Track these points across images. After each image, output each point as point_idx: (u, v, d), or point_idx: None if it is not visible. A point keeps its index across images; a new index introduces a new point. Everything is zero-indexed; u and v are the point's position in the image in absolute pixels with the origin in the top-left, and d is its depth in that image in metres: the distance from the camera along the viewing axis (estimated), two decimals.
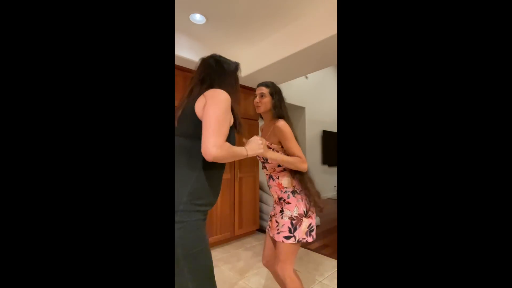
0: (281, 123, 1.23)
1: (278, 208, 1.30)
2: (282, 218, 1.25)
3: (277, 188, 1.32)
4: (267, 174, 1.36)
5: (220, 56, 1.01)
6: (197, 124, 0.81)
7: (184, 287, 0.78)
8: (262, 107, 1.31)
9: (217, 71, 0.95)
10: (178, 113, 0.89)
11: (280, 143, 1.25)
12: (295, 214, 1.23)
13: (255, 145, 0.96)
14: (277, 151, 1.25)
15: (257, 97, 1.32)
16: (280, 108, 1.31)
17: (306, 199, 1.26)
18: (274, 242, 1.35)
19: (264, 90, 1.31)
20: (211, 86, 0.91)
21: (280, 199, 1.31)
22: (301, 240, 1.20)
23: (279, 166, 1.30)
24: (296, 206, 1.24)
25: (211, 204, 0.87)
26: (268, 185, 1.38)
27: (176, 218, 0.77)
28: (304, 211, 1.24)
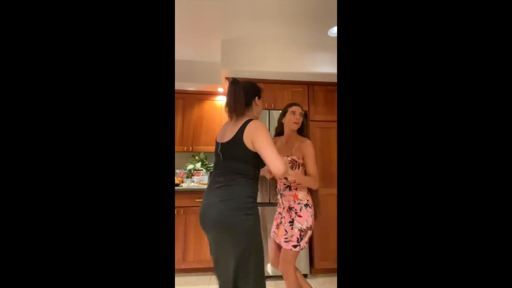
0: (310, 143, 1.49)
1: (288, 218, 1.48)
2: (292, 228, 1.44)
3: (291, 198, 1.49)
4: (284, 184, 1.51)
5: (238, 82, 1.18)
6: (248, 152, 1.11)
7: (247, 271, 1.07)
8: (297, 126, 1.52)
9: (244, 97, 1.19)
10: (228, 137, 1.16)
11: (303, 158, 1.48)
12: (304, 227, 1.43)
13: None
14: (300, 165, 1.49)
15: (297, 115, 1.52)
16: (307, 128, 1.59)
17: (314, 214, 1.47)
18: (279, 246, 1.53)
19: (301, 110, 1.54)
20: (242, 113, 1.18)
21: (291, 208, 1.48)
22: (303, 248, 1.43)
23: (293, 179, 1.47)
24: (306, 220, 1.44)
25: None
26: (281, 194, 1.53)
27: (245, 211, 1.07)
28: (310, 225, 1.44)
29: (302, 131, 1.54)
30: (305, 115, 1.56)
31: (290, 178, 1.44)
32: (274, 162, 1.02)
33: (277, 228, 1.54)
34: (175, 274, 2.28)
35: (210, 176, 2.60)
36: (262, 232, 2.24)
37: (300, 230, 1.41)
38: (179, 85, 2.69)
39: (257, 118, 1.23)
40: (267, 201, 2.23)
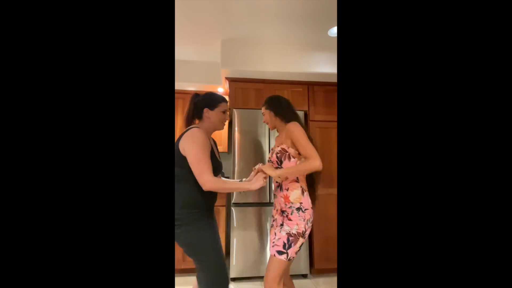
0: (291, 125, 1.27)
1: (279, 221, 1.29)
2: (280, 231, 1.24)
3: (282, 200, 1.29)
4: (276, 182, 1.31)
5: (197, 95, 1.28)
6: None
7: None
8: (270, 124, 1.41)
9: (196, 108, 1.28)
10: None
11: (292, 144, 1.27)
12: (293, 231, 1.21)
13: (259, 181, 1.16)
14: (297, 154, 1.27)
15: (264, 116, 1.41)
16: (282, 113, 1.36)
17: (307, 219, 1.24)
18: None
19: (263, 109, 1.42)
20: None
21: (283, 212, 1.28)
22: (291, 259, 1.19)
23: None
24: (297, 224, 1.22)
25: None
26: (274, 194, 1.37)
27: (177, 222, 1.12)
28: (302, 231, 1.22)
29: (283, 118, 1.36)
30: (274, 101, 1.41)
31: (283, 179, 1.25)
32: (199, 177, 1.06)
33: (270, 233, 1.36)
34: (175, 274, 2.28)
35: None
36: (258, 231, 2.23)
37: (288, 234, 1.20)
38: (179, 85, 2.68)
39: (213, 129, 1.28)
40: (267, 201, 2.23)
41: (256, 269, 2.16)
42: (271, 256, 1.22)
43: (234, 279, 2.16)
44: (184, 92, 2.79)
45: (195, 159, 1.08)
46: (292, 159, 1.28)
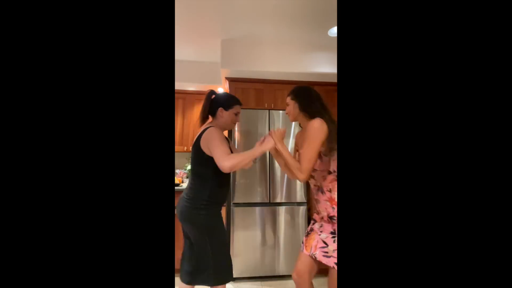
0: (315, 121, 1.13)
1: (328, 228, 1.14)
2: (334, 242, 1.10)
3: (328, 203, 1.14)
4: (315, 185, 1.18)
5: (212, 91, 1.37)
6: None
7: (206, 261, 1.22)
8: (291, 116, 1.27)
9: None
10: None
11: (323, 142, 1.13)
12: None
13: (270, 141, 1.18)
14: (327, 151, 1.13)
15: (286, 106, 1.28)
16: (308, 108, 1.20)
17: None
18: (312, 259, 1.19)
19: (288, 99, 1.27)
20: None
21: (331, 218, 1.13)
22: None
23: (330, 173, 1.13)
24: None
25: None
26: (315, 199, 1.21)
27: (199, 211, 1.23)
28: None
29: (307, 111, 1.21)
30: (303, 92, 1.27)
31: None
32: (218, 160, 1.13)
33: (306, 236, 1.24)
34: (175, 274, 2.27)
35: None
36: (259, 231, 2.23)
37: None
38: (179, 85, 2.69)
39: (223, 128, 1.34)
40: (267, 201, 2.23)
41: (256, 269, 2.16)
42: (330, 268, 1.10)
43: (234, 279, 2.16)
44: (184, 92, 2.79)
45: (216, 150, 1.15)
46: (324, 158, 1.14)
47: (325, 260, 1.10)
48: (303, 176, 1.11)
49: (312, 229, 1.23)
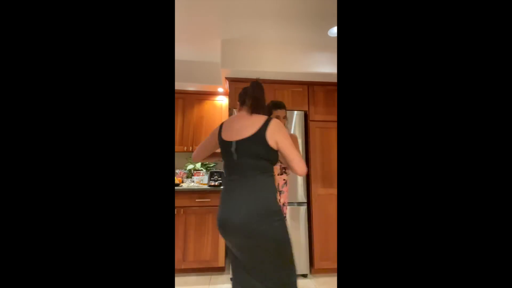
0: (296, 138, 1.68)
1: (285, 212, 1.62)
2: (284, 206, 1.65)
3: (286, 194, 1.60)
4: (284, 180, 1.58)
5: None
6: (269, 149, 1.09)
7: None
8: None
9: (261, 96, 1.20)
10: (245, 134, 1.10)
11: None
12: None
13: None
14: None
15: (281, 118, 1.57)
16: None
17: None
18: None
19: (285, 113, 1.61)
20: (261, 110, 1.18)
21: (283, 204, 1.57)
22: None
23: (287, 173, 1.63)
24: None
25: None
26: (280, 191, 1.56)
27: (274, 216, 1.03)
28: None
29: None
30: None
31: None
32: (299, 164, 1.05)
33: None
34: (175, 274, 2.27)
35: (211, 176, 2.60)
36: None
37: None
38: (179, 85, 2.68)
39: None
40: None
41: None
42: None
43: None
44: (184, 92, 2.79)
45: (294, 150, 1.07)
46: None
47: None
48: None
49: None
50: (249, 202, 1.00)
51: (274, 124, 1.08)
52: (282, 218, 1.05)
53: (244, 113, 1.15)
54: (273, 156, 1.08)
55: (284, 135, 1.07)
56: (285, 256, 1.04)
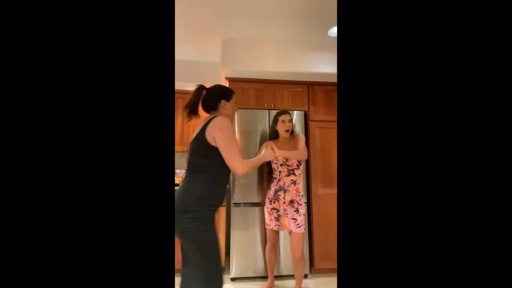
0: (300, 135, 1.89)
1: (291, 209, 1.84)
2: (300, 215, 1.82)
3: (294, 192, 1.86)
4: (291, 180, 1.86)
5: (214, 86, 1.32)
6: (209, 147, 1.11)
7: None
8: (288, 133, 1.88)
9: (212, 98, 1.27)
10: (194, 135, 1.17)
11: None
12: (305, 212, 1.90)
13: (268, 154, 1.28)
14: (294, 169, 1.90)
15: (287, 123, 1.87)
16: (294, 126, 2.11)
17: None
18: (276, 233, 1.98)
19: (290, 117, 1.90)
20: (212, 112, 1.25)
21: (292, 201, 1.85)
22: None
23: (300, 174, 1.89)
24: (305, 207, 1.89)
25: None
26: (285, 190, 1.86)
27: (186, 216, 1.04)
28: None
29: (292, 130, 1.91)
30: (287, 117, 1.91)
31: (279, 158, 1.83)
32: (233, 164, 1.07)
33: (278, 220, 1.90)
34: (175, 274, 2.27)
35: None
36: (259, 231, 2.23)
37: (304, 215, 1.84)
38: (179, 85, 2.68)
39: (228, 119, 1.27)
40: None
41: (256, 269, 2.16)
42: (300, 234, 1.78)
43: (234, 279, 2.16)
44: (184, 92, 2.78)
45: (229, 147, 1.07)
46: (293, 173, 1.90)
47: (299, 230, 1.79)
48: (306, 154, 1.79)
49: (279, 215, 1.88)
50: (176, 201, 1.07)
51: (215, 121, 1.11)
52: (198, 219, 1.03)
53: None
54: (212, 153, 1.09)
55: (224, 132, 1.07)
56: (204, 260, 1.03)
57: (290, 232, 1.84)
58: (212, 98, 1.28)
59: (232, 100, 1.31)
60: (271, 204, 1.91)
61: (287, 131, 1.86)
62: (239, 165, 1.07)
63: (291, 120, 1.89)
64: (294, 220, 1.81)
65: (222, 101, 1.28)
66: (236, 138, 2.25)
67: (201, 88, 1.29)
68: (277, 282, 2.14)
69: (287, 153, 1.69)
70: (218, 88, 1.33)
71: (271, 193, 1.92)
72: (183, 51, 2.48)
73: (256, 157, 1.22)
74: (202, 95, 1.27)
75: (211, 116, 1.18)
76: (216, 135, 1.08)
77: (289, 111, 1.95)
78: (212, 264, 1.05)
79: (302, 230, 1.79)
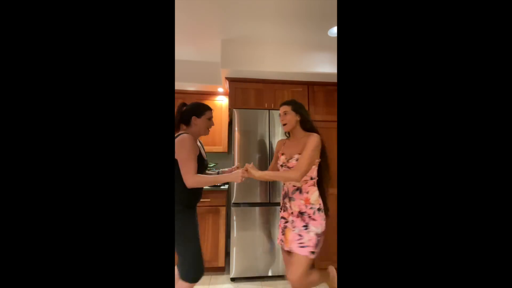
0: (316, 136, 1.37)
1: (300, 222, 1.38)
2: (308, 233, 1.33)
3: (302, 202, 1.39)
4: (294, 186, 1.42)
5: (184, 104, 1.46)
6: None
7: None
8: (289, 125, 1.44)
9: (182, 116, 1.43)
10: None
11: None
12: (319, 231, 1.35)
13: (234, 176, 1.33)
14: (317, 162, 1.41)
15: (282, 115, 1.45)
16: (307, 122, 1.45)
17: (324, 218, 1.39)
18: (288, 253, 1.44)
19: (287, 109, 1.45)
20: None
21: (302, 213, 1.38)
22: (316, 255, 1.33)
23: (311, 178, 1.41)
24: (321, 224, 1.36)
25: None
26: (290, 197, 1.44)
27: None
28: (324, 230, 1.37)
29: (306, 125, 1.45)
30: (302, 107, 1.48)
31: (280, 158, 1.46)
32: (184, 176, 1.25)
33: (283, 234, 1.45)
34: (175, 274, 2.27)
35: None
36: (259, 231, 2.23)
37: (317, 235, 1.33)
38: (179, 85, 2.68)
39: (198, 134, 1.43)
40: (267, 201, 2.23)
41: (256, 269, 2.16)
42: (301, 256, 1.31)
43: (234, 279, 2.16)
44: (184, 92, 2.78)
45: (182, 162, 1.26)
46: (312, 166, 1.38)
47: (300, 250, 1.31)
48: (299, 174, 1.29)
49: (285, 227, 1.45)
50: None
51: (176, 139, 1.29)
52: (179, 211, 1.26)
53: None
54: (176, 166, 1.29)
55: (179, 149, 1.26)
56: (179, 245, 1.27)
57: (290, 252, 1.40)
58: (185, 114, 1.42)
59: (204, 117, 1.42)
60: (281, 211, 1.53)
61: (284, 125, 1.45)
62: (187, 178, 1.25)
63: (287, 113, 1.44)
64: (299, 237, 1.34)
65: (193, 117, 1.41)
66: (237, 138, 2.25)
67: (181, 105, 1.45)
68: (277, 282, 2.14)
69: (269, 174, 1.37)
70: (192, 105, 1.46)
71: (282, 198, 1.54)
72: (183, 51, 2.48)
73: (220, 175, 1.35)
74: (182, 111, 1.43)
75: (178, 133, 1.35)
76: (176, 151, 1.26)
77: (294, 101, 1.48)
78: (188, 248, 1.29)
79: (306, 252, 1.29)
